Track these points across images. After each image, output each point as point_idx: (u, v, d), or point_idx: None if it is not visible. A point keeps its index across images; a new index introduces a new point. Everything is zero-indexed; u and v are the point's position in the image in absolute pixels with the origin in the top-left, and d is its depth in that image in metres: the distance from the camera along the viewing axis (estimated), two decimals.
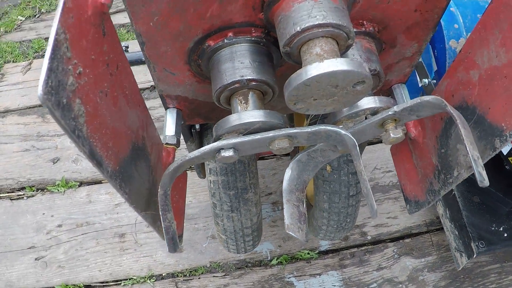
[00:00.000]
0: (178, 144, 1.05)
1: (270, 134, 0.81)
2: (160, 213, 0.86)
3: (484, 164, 0.72)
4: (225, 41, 0.85)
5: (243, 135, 0.83)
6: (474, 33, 0.79)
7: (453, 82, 0.88)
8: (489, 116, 0.78)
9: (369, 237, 1.93)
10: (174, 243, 0.90)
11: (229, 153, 0.82)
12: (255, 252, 1.90)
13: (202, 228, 1.97)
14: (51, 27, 0.47)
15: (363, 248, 1.90)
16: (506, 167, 1.54)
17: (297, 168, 0.94)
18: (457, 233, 1.71)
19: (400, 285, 1.81)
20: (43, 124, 2.29)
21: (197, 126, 1.27)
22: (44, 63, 0.45)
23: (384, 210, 1.99)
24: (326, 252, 1.90)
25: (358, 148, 0.79)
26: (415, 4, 0.85)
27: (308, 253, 1.88)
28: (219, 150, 0.83)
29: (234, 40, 0.84)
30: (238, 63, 0.84)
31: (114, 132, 0.68)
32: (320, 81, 0.69)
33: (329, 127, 0.80)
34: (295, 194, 0.93)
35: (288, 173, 0.93)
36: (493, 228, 1.60)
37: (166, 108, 1.07)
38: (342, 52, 0.80)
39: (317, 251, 1.90)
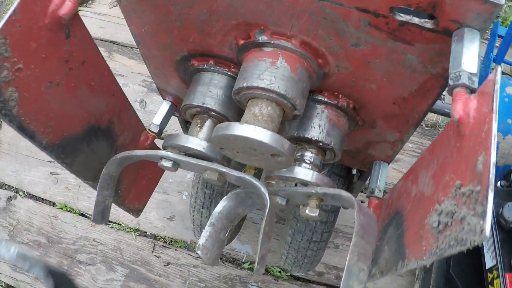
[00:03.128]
0: (159, 134, 1.13)
1: (203, 164, 0.86)
2: (98, 188, 0.95)
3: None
4: (205, 66, 0.90)
5: (183, 154, 0.89)
6: (426, 152, 0.78)
7: (403, 187, 0.87)
8: (405, 236, 0.77)
9: None
10: (102, 217, 0.99)
11: (168, 163, 0.89)
12: (234, 249, 1.97)
13: None
14: None
15: None
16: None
17: (234, 200, 0.98)
18: None
19: None
20: (107, 60, 2.46)
21: None
22: None
23: None
24: (296, 278, 1.93)
25: (268, 209, 0.82)
26: (392, 97, 0.84)
27: (279, 272, 1.92)
28: (161, 158, 0.90)
29: (213, 68, 0.89)
30: (208, 90, 0.89)
31: (61, 115, 0.77)
32: (237, 141, 0.73)
33: (252, 180, 0.84)
34: (222, 221, 0.98)
35: (224, 201, 0.98)
36: None
37: (163, 99, 1.16)
38: (290, 119, 0.82)
39: (288, 274, 1.93)
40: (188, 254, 1.96)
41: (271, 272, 1.93)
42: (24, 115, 0.69)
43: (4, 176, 2.15)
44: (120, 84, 0.95)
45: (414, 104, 0.84)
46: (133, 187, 1.20)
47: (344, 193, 0.77)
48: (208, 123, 0.91)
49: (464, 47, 0.60)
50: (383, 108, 0.88)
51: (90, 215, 2.06)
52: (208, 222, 0.96)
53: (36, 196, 2.11)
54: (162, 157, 0.89)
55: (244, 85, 0.75)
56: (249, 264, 1.94)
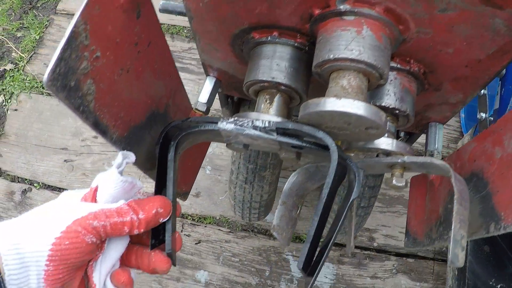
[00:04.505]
0: (207, 112, 1.09)
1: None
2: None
3: None
4: (269, 38, 0.85)
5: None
6: (510, 114, 0.76)
7: (479, 149, 0.86)
8: (495, 198, 0.76)
9: (375, 244, 1.94)
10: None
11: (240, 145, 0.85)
12: (265, 220, 1.97)
13: (224, 181, 2.05)
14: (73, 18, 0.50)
15: (366, 252, 1.92)
16: None
17: (304, 175, 0.96)
18: (456, 273, 1.69)
19: None
20: None
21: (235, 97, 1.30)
22: (56, 52, 0.47)
23: (400, 224, 1.98)
24: None
25: (357, 180, 0.80)
26: (467, 60, 0.82)
27: None
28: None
29: (277, 40, 0.85)
30: (274, 63, 0.85)
31: (129, 103, 0.73)
32: (332, 116, 0.70)
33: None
34: (292, 199, 0.96)
35: (293, 178, 0.96)
36: (491, 283, 1.57)
37: (207, 75, 1.11)
38: (371, 90, 0.79)
39: (322, 239, 1.93)
40: (219, 229, 1.95)
41: (305, 239, 1.94)
42: (99, 109, 0.64)
43: (16, 168, 2.09)
44: None
45: (488, 65, 0.82)
46: (179, 170, 1.17)
47: (437, 161, 0.75)
48: (277, 98, 0.87)
49: None
50: (454, 72, 0.86)
51: None
52: (280, 201, 0.94)
53: (52, 186, 2.05)
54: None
55: (331, 57, 0.72)
56: None
